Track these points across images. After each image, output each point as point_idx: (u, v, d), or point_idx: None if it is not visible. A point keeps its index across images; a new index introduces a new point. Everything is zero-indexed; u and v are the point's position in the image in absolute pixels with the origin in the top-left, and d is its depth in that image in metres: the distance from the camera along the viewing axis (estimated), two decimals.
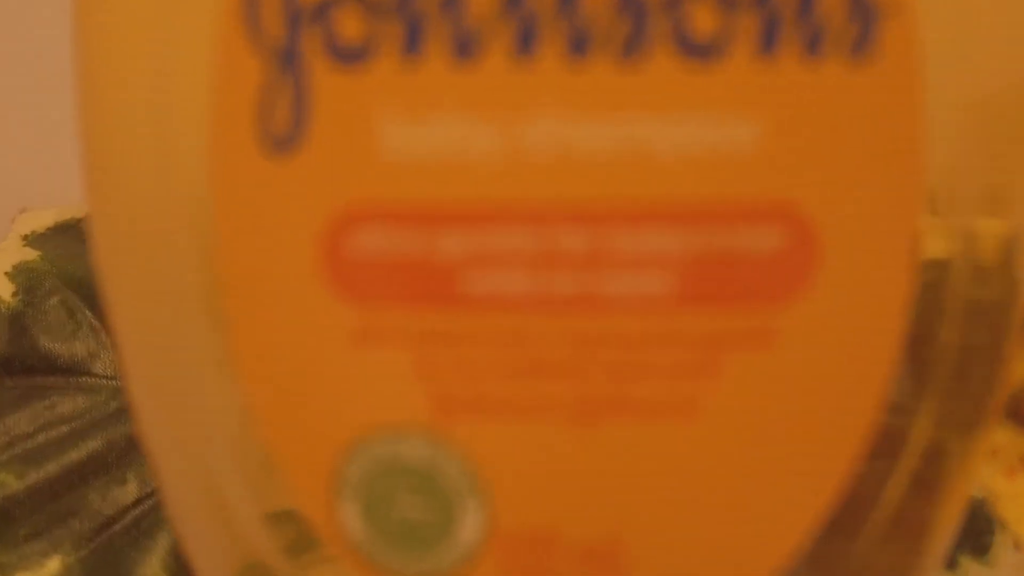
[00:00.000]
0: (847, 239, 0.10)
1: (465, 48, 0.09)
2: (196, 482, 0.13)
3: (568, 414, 0.10)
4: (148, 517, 0.20)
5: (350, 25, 0.09)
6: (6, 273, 0.23)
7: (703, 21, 0.09)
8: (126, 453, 0.20)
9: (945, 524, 0.12)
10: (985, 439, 0.12)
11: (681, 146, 0.10)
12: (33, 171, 0.26)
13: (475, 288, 0.10)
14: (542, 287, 0.10)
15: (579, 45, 0.09)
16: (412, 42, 0.09)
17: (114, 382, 0.21)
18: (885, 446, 0.11)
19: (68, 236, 0.24)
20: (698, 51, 0.09)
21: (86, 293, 0.22)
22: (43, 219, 0.24)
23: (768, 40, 0.09)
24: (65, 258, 0.23)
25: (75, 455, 0.20)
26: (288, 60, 0.09)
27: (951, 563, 0.18)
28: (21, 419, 0.21)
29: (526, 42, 0.09)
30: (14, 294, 0.22)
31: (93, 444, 0.20)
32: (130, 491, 0.20)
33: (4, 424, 0.20)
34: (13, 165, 0.27)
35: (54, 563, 0.19)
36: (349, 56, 0.09)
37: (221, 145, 0.10)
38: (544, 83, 0.09)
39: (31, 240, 0.23)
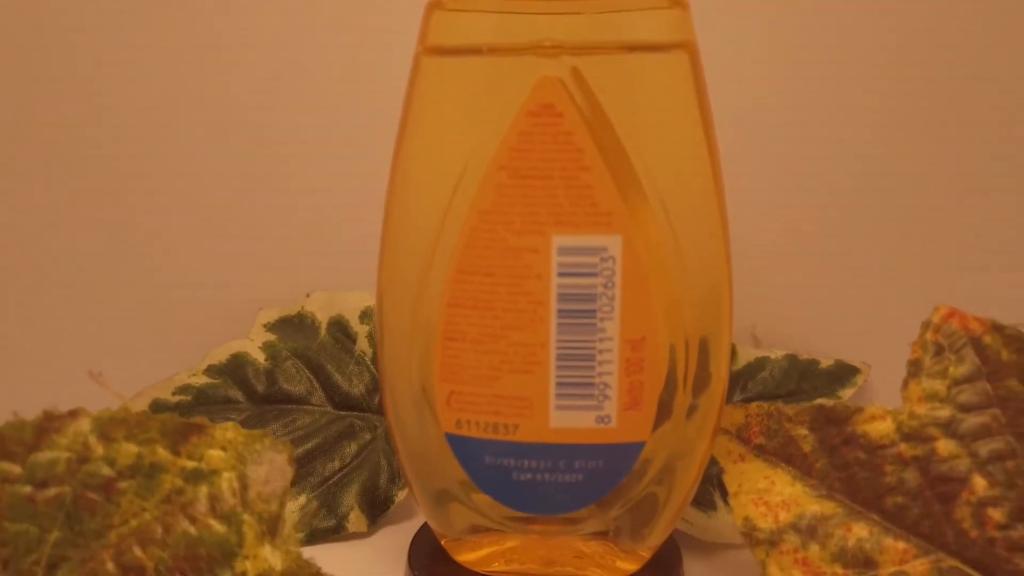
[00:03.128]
0: None
1: None
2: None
3: None
4: (347, 478, 0.36)
5: None
6: (259, 347, 0.40)
7: None
8: (332, 446, 0.37)
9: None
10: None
11: None
12: (265, 276, 0.43)
13: None
14: None
15: None
16: None
17: (323, 408, 0.38)
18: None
19: (288, 325, 0.41)
20: None
21: (303, 358, 0.39)
22: (272, 314, 0.41)
23: None
24: (289, 338, 0.40)
25: (308, 445, 0.37)
26: None
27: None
28: (278, 427, 0.38)
29: None
30: (266, 359, 0.39)
31: (315, 440, 0.37)
32: (335, 465, 0.36)
33: (270, 428, 0.37)
34: (250, 275, 0.44)
35: (302, 498, 0.36)
36: None
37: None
38: None
39: (269, 327, 0.41)
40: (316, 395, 0.39)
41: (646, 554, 0.29)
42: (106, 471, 0.25)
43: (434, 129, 0.26)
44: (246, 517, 0.25)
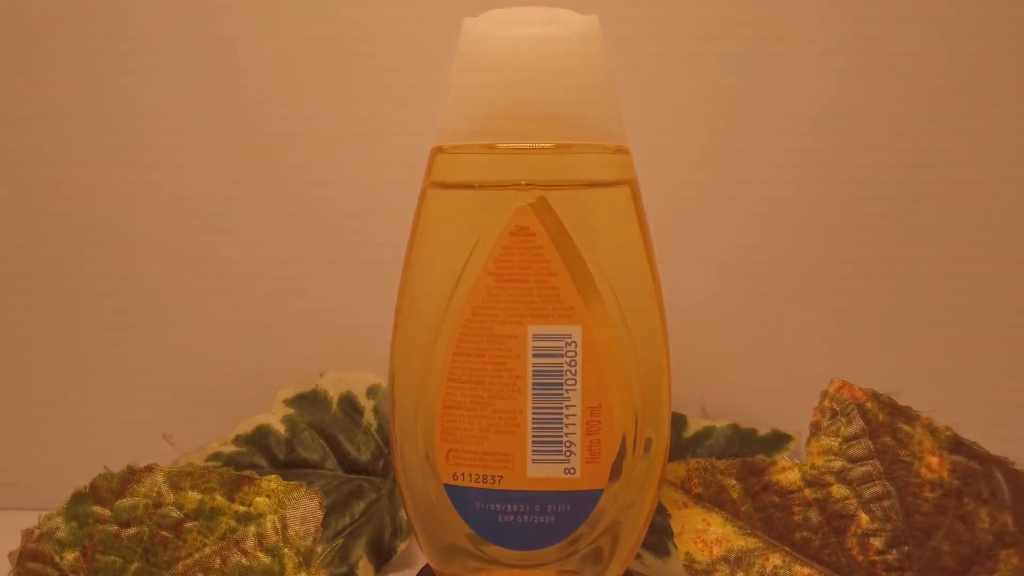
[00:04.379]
0: None
1: None
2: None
3: None
4: (356, 531, 0.43)
5: None
6: (280, 420, 0.46)
7: None
8: (344, 504, 0.44)
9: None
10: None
11: None
12: (284, 359, 0.50)
13: None
14: None
15: None
16: None
17: (335, 472, 0.45)
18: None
19: (304, 400, 0.47)
20: None
21: (317, 429, 0.46)
22: (290, 391, 0.48)
23: None
24: (305, 412, 0.47)
25: (325, 502, 0.43)
26: None
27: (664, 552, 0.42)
28: None
29: None
30: (286, 430, 0.46)
31: (329, 500, 0.44)
32: (346, 520, 0.43)
33: None
34: (271, 358, 0.50)
35: (319, 548, 0.42)
36: None
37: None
38: None
39: (287, 403, 0.47)
40: (329, 461, 0.45)
41: None
42: (175, 514, 0.32)
43: (437, 243, 0.33)
44: (286, 551, 0.32)
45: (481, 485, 0.33)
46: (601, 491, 0.33)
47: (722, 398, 0.49)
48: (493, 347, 0.32)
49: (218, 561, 0.31)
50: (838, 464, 0.33)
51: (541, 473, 0.33)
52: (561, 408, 0.33)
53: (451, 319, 0.32)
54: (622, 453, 0.33)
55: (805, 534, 0.33)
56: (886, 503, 0.33)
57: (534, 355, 0.32)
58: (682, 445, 0.46)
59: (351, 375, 0.48)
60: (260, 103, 0.48)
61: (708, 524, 0.35)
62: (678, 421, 0.47)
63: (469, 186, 0.33)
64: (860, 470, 0.33)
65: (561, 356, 0.32)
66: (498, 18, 0.33)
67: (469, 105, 0.32)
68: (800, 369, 0.48)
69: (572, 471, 0.33)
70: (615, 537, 0.35)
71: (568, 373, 0.32)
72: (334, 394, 0.47)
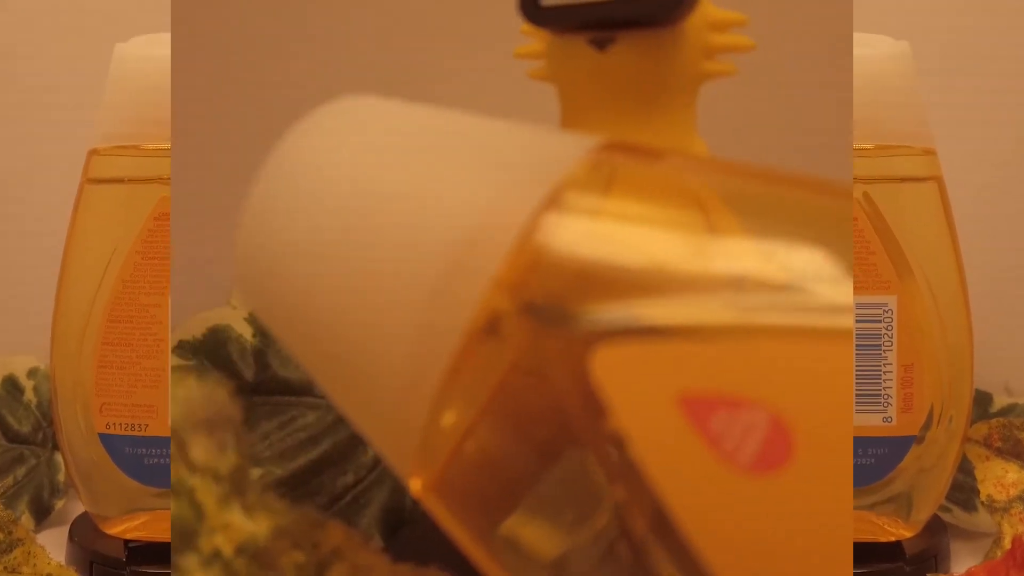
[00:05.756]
0: None
1: None
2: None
3: None
4: (18, 491, 0.47)
5: None
6: (244, 319, 0.37)
7: None
8: (7, 469, 0.48)
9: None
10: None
11: None
12: None
13: None
14: None
15: None
16: None
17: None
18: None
19: None
20: None
21: None
22: None
23: None
24: None
25: (314, 453, 0.35)
26: None
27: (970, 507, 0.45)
28: (272, 427, 0.36)
29: None
30: (253, 335, 0.37)
31: (324, 446, 0.35)
32: (9, 482, 0.47)
33: (262, 430, 0.35)
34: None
35: None
36: None
37: None
38: None
39: None
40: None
41: (919, 525, 0.42)
42: None
43: (92, 230, 0.40)
44: None
45: (130, 432, 0.40)
46: (914, 437, 0.40)
47: None
48: (139, 315, 0.39)
49: None
50: None
51: (860, 422, 0.40)
52: (880, 366, 0.40)
53: (104, 292, 0.39)
54: (928, 423, 0.41)
55: None
56: None
57: (856, 321, 0.40)
58: (988, 419, 0.51)
59: (12, 358, 0.52)
60: None
61: (1006, 472, 0.43)
62: (984, 398, 0.53)
63: (119, 180, 0.40)
64: None
65: (879, 321, 0.40)
66: (146, 42, 0.40)
67: (120, 113, 0.40)
68: None
69: (889, 419, 0.40)
70: (925, 482, 0.41)
71: (885, 336, 0.40)
72: None
